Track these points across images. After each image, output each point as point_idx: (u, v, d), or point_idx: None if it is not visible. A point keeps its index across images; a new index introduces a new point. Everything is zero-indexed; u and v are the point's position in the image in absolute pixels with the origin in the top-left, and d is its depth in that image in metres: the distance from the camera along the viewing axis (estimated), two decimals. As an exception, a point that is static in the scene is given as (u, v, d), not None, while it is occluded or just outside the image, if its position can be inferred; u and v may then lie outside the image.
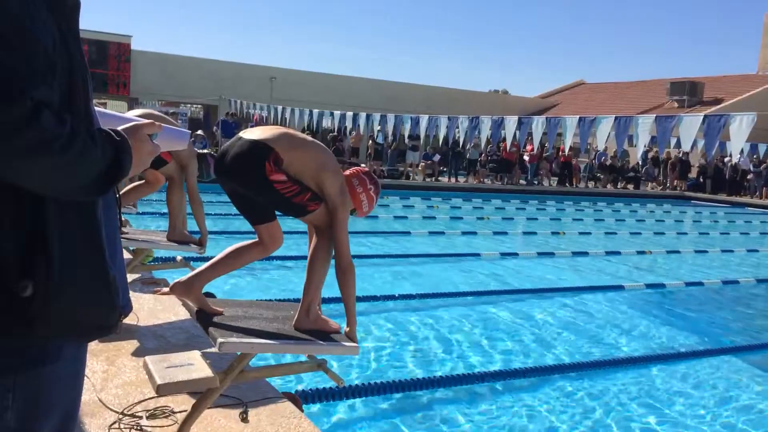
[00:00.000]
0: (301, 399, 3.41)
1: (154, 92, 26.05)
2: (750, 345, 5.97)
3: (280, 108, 22.89)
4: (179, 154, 4.57)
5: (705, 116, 10.49)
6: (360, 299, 6.04)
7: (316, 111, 21.97)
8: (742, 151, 21.88)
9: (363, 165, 22.42)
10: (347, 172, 3.08)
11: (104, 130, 1.20)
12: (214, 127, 23.28)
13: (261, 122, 23.12)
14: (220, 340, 2.49)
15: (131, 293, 4.68)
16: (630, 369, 4.98)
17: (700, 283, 8.49)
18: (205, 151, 5.18)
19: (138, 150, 1.28)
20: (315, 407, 3.53)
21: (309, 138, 3.04)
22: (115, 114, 1.69)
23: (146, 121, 1.42)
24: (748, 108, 27.69)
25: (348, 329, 2.89)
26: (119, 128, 1.27)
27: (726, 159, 24.27)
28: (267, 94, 26.94)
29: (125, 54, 25.86)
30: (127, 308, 1.60)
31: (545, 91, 43.91)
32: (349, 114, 20.98)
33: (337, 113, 21.43)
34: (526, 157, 23.26)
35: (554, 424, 3.91)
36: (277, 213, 2.97)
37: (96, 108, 1.58)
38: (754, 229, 16.08)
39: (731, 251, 11.86)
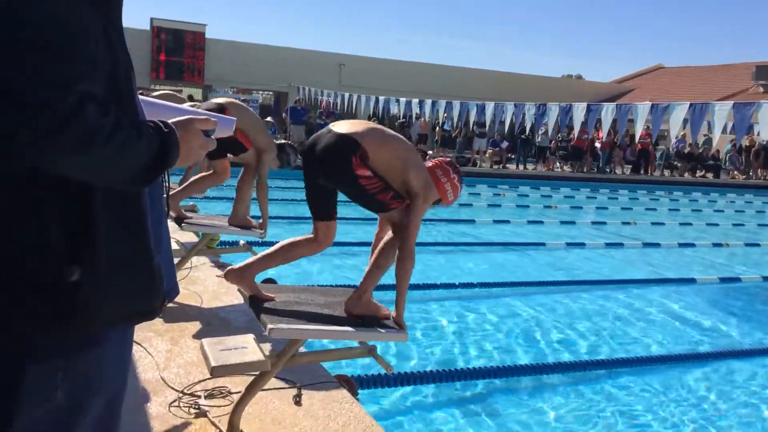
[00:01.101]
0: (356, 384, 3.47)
1: (227, 80, 26.70)
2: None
3: (347, 95, 23.07)
4: (259, 142, 4.68)
5: (786, 102, 9.92)
6: (420, 287, 6.08)
7: (382, 98, 22.02)
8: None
9: (430, 152, 22.37)
10: (430, 164, 3.11)
11: (152, 122, 1.25)
12: (283, 114, 23.72)
13: (329, 108, 23.38)
14: (270, 326, 2.56)
15: (197, 276, 4.87)
16: (697, 365, 4.81)
17: (780, 278, 8.08)
18: (284, 141, 5.29)
19: (187, 142, 1.32)
20: (365, 393, 3.57)
21: (395, 134, 3.09)
22: (166, 104, 1.76)
23: (203, 114, 1.46)
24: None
25: (396, 315, 2.92)
26: (172, 120, 1.31)
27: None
28: (335, 81, 27.20)
29: (200, 42, 26.59)
30: (172, 293, 1.67)
31: (622, 75, 42.48)
32: (415, 101, 20.93)
33: (403, 100, 21.41)
34: (597, 144, 22.61)
35: (620, 419, 3.83)
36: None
37: (145, 98, 1.64)
38: None
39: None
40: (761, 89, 30.16)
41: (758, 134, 19.62)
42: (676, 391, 4.35)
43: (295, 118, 21.43)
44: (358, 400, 3.18)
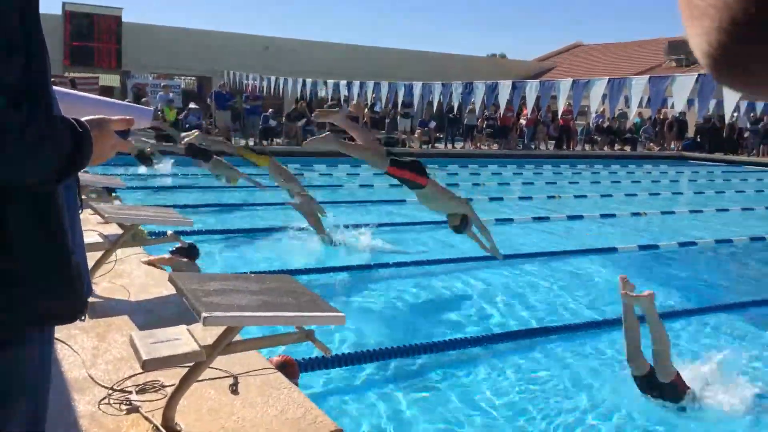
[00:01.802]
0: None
1: (146, 65, 25.78)
2: (743, 302, 5.97)
3: (273, 78, 22.70)
4: None
5: (698, 75, 10.40)
6: (351, 268, 6.10)
7: (309, 80, 21.78)
8: (738, 109, 21.76)
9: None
10: None
11: (66, 119, 1.19)
12: (208, 99, 23.15)
13: (254, 93, 22.96)
14: (204, 315, 2.51)
15: (123, 269, 4.72)
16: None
17: (694, 243, 8.52)
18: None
19: (101, 143, 1.27)
20: (304, 377, 3.56)
21: None
22: (82, 95, 1.68)
23: (120, 107, 1.41)
24: (746, 65, 27.39)
25: None
26: (87, 118, 1.25)
27: (728, 118, 24.11)
28: (261, 64, 26.69)
29: (116, 27, 25.54)
30: (87, 293, 1.60)
31: (543, 54, 43.47)
32: (343, 83, 20.80)
33: (331, 82, 21.25)
34: (522, 122, 23.13)
35: (544, 386, 3.97)
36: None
37: (60, 89, 1.56)
38: (750, 187, 16.07)
39: (726, 210, 11.87)
40: (674, 64, 31.50)
41: (672, 107, 20.55)
42: (607, 353, 4.54)
43: (221, 103, 20.94)
44: (297, 383, 3.17)
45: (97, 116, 1.30)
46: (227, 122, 20.38)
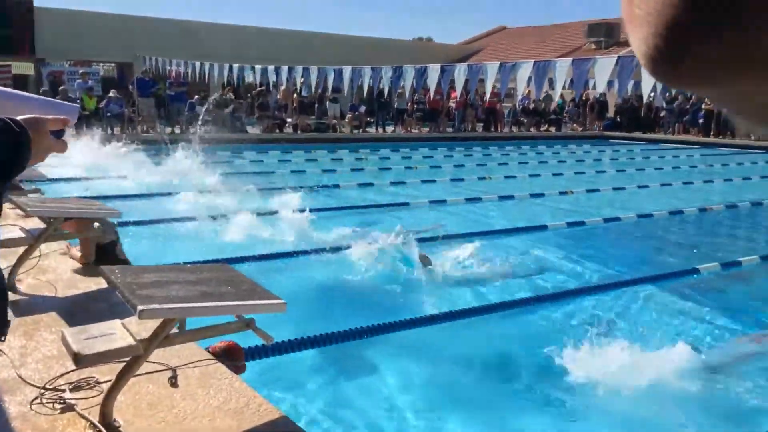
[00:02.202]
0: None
1: (62, 51, 24.60)
2: (664, 273, 6.27)
3: (198, 64, 22.10)
4: None
5: (618, 58, 10.79)
6: (285, 255, 6.06)
7: (236, 66, 21.32)
8: (655, 89, 22.70)
9: (289, 120, 22.10)
10: None
11: (2, 120, 1.12)
12: (130, 86, 22.30)
13: (178, 79, 22.32)
14: (140, 307, 2.44)
15: (48, 265, 4.52)
16: (553, 304, 5.19)
17: (618, 219, 8.87)
18: None
19: (37, 144, 1.20)
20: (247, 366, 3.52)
21: None
22: (10, 92, 1.58)
23: (51, 105, 1.34)
24: (661, 47, 28.55)
25: None
26: (22, 118, 1.18)
27: (646, 98, 25.09)
28: (184, 50, 25.92)
29: (28, 12, 24.24)
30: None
31: (469, 37, 44.02)
32: (271, 68, 20.46)
33: (258, 67, 20.85)
34: (452, 105, 23.40)
35: (484, 363, 4.06)
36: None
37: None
38: (667, 164, 16.84)
39: (647, 186, 12.40)
40: (593, 46, 32.52)
41: (594, 88, 21.22)
42: (540, 329, 4.68)
43: (144, 90, 20.22)
44: (245, 365, 3.14)
45: (31, 116, 1.23)
46: (151, 110, 19.74)
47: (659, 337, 4.44)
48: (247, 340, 3.33)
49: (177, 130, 19.71)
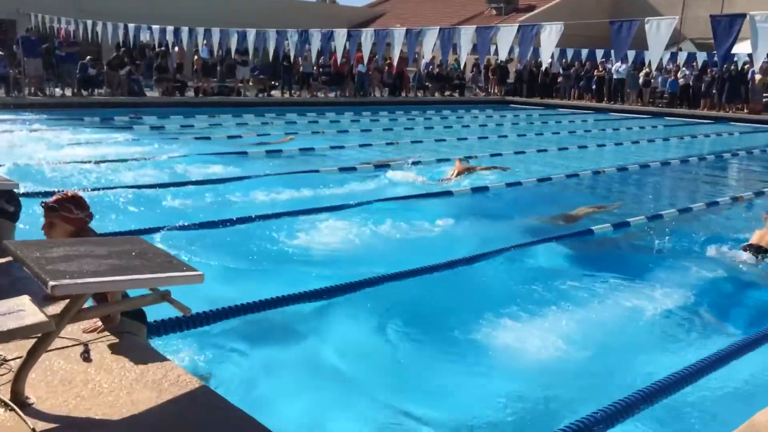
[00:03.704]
0: (150, 331, 3.37)
1: (-68, 6, 22.51)
2: (563, 234, 6.62)
3: (90, 22, 20.83)
4: None
5: (519, 26, 11.13)
6: (199, 226, 5.97)
7: (132, 25, 20.25)
8: (552, 56, 23.55)
9: (190, 82, 21.30)
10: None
11: None
12: (14, 46, 20.72)
13: (68, 38, 20.97)
14: (51, 283, 2.37)
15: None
16: (455, 269, 5.37)
17: (519, 183, 9.25)
18: None
19: None
20: (164, 338, 3.50)
21: None
22: None
23: None
24: (558, 13, 29.60)
25: None
26: None
27: (544, 64, 25.96)
28: (73, 6, 24.30)
29: None
30: None
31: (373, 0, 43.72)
32: (170, 28, 19.59)
33: (156, 27, 19.91)
34: (361, 69, 23.29)
35: (375, 332, 4.21)
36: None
37: None
38: (564, 129, 17.62)
39: (545, 150, 12.96)
40: (494, 12, 33.19)
41: (495, 54, 21.71)
42: (452, 293, 4.88)
43: (29, 50, 18.85)
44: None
45: None
46: (39, 71, 18.46)
47: (556, 296, 4.75)
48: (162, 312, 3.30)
49: (68, 93, 18.61)
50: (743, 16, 9.19)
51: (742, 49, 13.48)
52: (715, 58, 16.57)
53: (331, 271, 5.16)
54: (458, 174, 9.55)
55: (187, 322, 3.53)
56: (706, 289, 5.15)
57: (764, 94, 21.61)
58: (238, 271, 5.15)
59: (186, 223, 6.08)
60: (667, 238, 6.71)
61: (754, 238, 6.19)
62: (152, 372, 2.82)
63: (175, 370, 2.84)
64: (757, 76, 21.10)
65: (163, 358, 2.94)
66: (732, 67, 21.38)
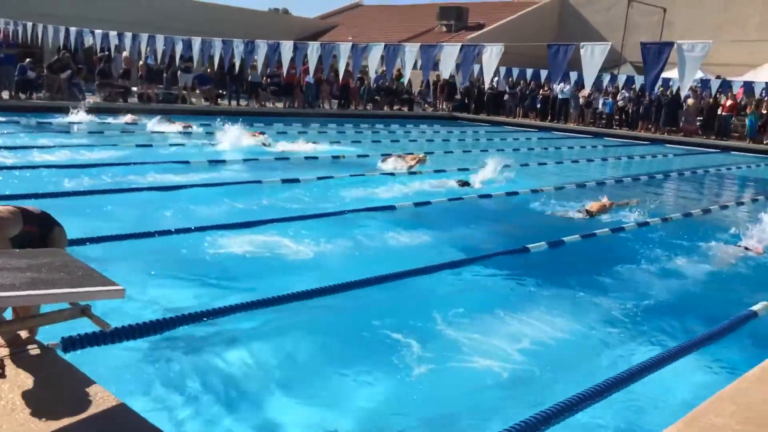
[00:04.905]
0: (68, 346, 3.31)
1: None
2: (497, 252, 6.74)
3: (30, 24, 20.25)
4: None
5: (462, 46, 11.36)
6: (130, 236, 5.86)
7: (74, 29, 19.78)
8: (498, 73, 24.08)
9: (135, 89, 20.90)
10: None
11: None
12: (-53, 45, 19.99)
13: (8, 40, 20.35)
14: (-39, 297, 2.32)
15: None
16: (395, 282, 5.44)
17: (461, 198, 9.41)
18: None
19: None
20: (83, 353, 3.42)
21: None
22: None
23: None
24: (505, 32, 30.28)
25: None
26: None
27: (489, 82, 26.45)
28: (13, 7, 23.58)
29: None
30: None
31: (325, 11, 43.90)
32: (113, 33, 19.22)
33: (99, 32, 19.50)
34: (310, 80, 23.27)
35: (315, 345, 4.23)
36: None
37: None
38: (509, 146, 17.99)
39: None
40: (444, 29, 33.73)
41: (441, 72, 22.04)
42: (387, 305, 4.92)
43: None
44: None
45: None
46: (-27, 72, 17.83)
47: (492, 310, 4.86)
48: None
49: (5, 96, 18.01)
50: (671, 44, 9.63)
51: (675, 74, 14.07)
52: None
53: (261, 284, 5.14)
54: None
55: (106, 337, 3.46)
56: (635, 300, 5.36)
57: (698, 118, 22.58)
58: (166, 284, 5.07)
59: (116, 234, 5.96)
60: (599, 254, 6.96)
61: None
62: (69, 389, 2.77)
63: (93, 387, 2.79)
64: (690, 101, 22.04)
65: (81, 375, 2.89)
66: (668, 91, 22.30)
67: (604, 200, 9.34)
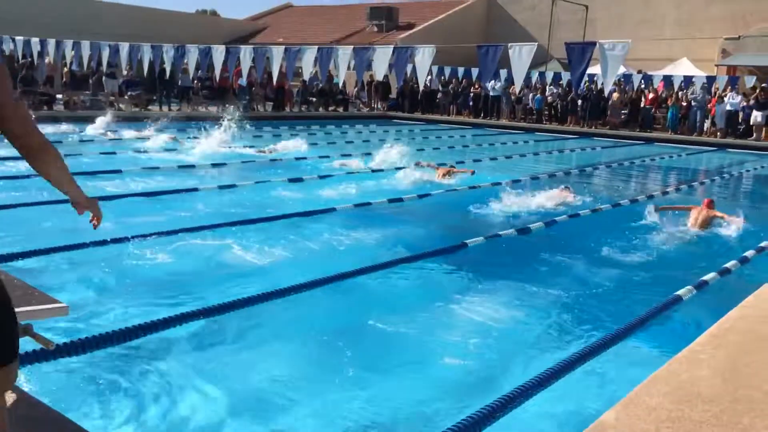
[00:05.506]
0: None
1: None
2: (438, 249, 6.88)
3: (-59, 30, 19.26)
4: None
5: (394, 48, 11.50)
6: (74, 247, 5.71)
7: (-8, 34, 18.96)
8: (431, 73, 24.42)
9: (59, 96, 20.19)
10: None
11: None
12: None
13: None
14: None
15: None
16: (343, 283, 5.50)
17: (400, 200, 9.52)
18: None
19: None
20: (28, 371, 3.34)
21: None
22: None
23: None
24: (435, 32, 30.69)
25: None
26: None
27: (422, 81, 26.80)
28: None
29: None
30: None
31: (255, 12, 43.43)
32: (35, 40, 18.51)
33: (20, 39, 18.74)
34: (243, 83, 23.01)
35: (259, 353, 4.24)
36: None
37: None
38: (444, 144, 18.28)
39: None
40: (375, 29, 33.93)
41: (374, 73, 22.21)
42: (330, 308, 4.97)
43: None
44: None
45: None
46: None
47: (428, 306, 4.97)
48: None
49: None
50: (593, 44, 10.04)
51: (599, 70, 14.65)
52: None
53: (201, 293, 5.10)
54: (443, 175, 11.17)
55: (52, 353, 3.38)
56: (570, 290, 5.58)
57: (622, 111, 23.52)
58: (107, 298, 4.97)
59: (50, 246, 5.79)
60: (533, 247, 7.20)
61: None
62: (16, 408, 2.70)
63: (39, 406, 2.73)
64: (615, 95, 22.94)
65: (29, 396, 2.82)
66: (593, 86, 23.14)
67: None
